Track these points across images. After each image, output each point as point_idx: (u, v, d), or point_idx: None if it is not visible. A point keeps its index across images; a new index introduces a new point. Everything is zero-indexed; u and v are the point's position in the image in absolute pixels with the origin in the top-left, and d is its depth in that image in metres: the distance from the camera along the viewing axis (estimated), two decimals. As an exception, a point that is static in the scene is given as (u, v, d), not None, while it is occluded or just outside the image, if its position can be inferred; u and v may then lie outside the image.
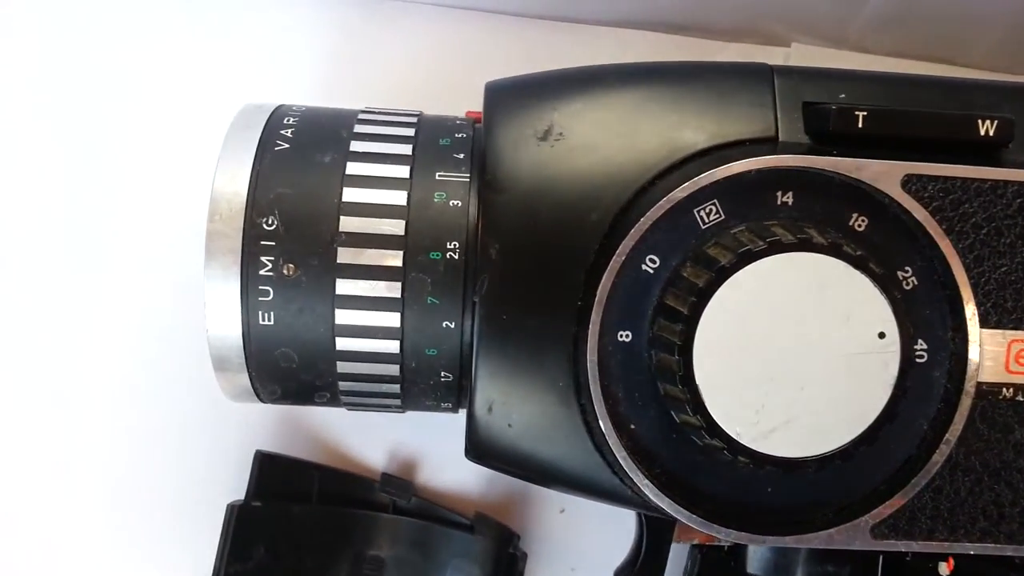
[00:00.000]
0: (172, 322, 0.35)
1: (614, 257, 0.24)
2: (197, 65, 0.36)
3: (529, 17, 0.37)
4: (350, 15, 0.37)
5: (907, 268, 0.24)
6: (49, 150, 0.36)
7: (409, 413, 0.35)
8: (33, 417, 0.35)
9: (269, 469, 0.34)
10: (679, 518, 0.24)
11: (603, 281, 0.24)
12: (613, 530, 0.35)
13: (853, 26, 0.37)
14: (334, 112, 0.28)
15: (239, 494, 0.34)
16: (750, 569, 0.31)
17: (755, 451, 0.23)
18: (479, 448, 0.26)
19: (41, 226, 0.36)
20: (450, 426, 0.36)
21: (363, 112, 0.28)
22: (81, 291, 0.35)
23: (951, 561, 0.27)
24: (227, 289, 0.25)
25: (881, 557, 0.28)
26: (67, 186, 0.36)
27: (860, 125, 0.24)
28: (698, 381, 0.23)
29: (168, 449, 0.35)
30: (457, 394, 0.27)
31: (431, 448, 0.36)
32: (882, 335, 0.23)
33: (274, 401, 0.28)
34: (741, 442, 0.23)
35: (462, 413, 0.34)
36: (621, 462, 0.24)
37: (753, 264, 0.22)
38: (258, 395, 0.27)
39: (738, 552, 0.31)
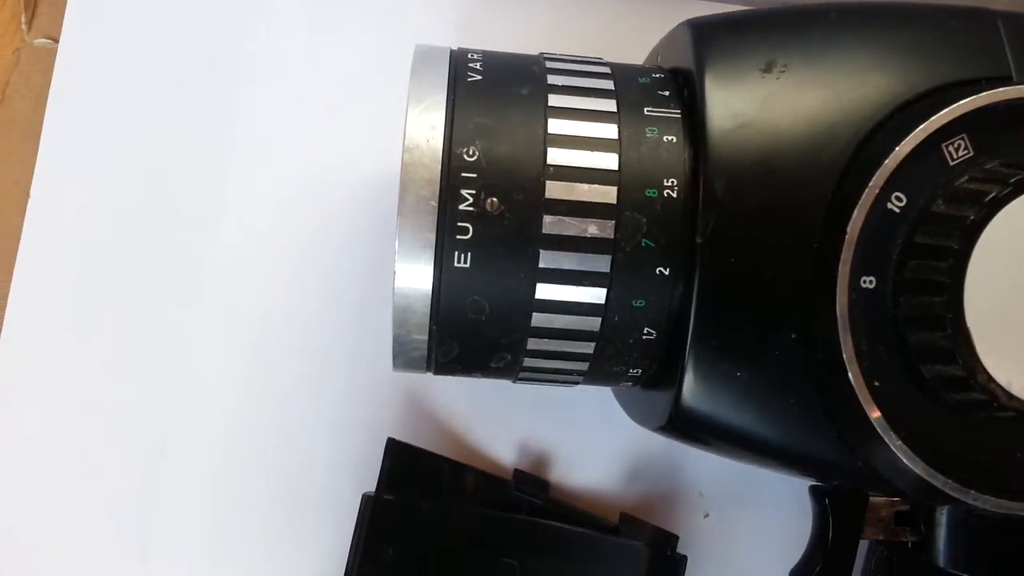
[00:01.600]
0: (306, 303, 0.32)
1: (865, 192, 0.21)
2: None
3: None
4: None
5: None
6: (174, 117, 0.34)
7: (540, 407, 0.33)
8: (157, 401, 0.32)
9: (400, 460, 0.30)
10: (935, 485, 0.22)
11: (853, 218, 0.21)
12: (763, 537, 0.33)
13: None
14: (515, 54, 0.26)
15: (362, 483, 0.30)
16: (941, 564, 0.28)
17: (1028, 404, 0.21)
18: (688, 415, 0.23)
19: (166, 187, 0.33)
20: (582, 421, 0.33)
21: (546, 53, 0.26)
22: (208, 264, 0.33)
23: None
24: (422, 225, 0.22)
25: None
26: (188, 145, 0.33)
27: (1104, 65, 0.23)
28: (968, 325, 0.20)
29: (292, 436, 0.32)
30: (654, 357, 0.24)
31: (562, 445, 0.33)
32: None
33: (442, 365, 0.25)
34: (1012, 391, 0.20)
35: (603, 402, 0.32)
36: (873, 423, 0.21)
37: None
38: (430, 356, 0.25)
39: (926, 547, 0.29)
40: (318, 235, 0.33)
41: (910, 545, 0.29)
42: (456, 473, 0.31)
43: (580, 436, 0.33)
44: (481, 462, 0.32)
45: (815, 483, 0.29)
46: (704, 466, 0.33)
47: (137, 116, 0.34)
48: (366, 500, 0.29)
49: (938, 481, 0.22)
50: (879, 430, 0.22)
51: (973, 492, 0.22)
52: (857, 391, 0.22)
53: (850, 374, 0.21)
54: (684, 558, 0.31)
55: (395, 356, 0.25)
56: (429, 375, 0.31)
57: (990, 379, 0.21)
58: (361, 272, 0.32)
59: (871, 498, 0.29)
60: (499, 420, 0.33)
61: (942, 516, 0.28)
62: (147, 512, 0.32)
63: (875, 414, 0.21)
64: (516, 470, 0.32)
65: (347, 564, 0.29)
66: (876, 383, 0.22)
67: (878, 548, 0.30)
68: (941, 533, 0.28)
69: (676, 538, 0.31)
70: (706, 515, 0.33)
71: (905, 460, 0.22)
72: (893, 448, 0.22)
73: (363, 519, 0.29)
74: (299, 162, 0.33)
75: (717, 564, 0.33)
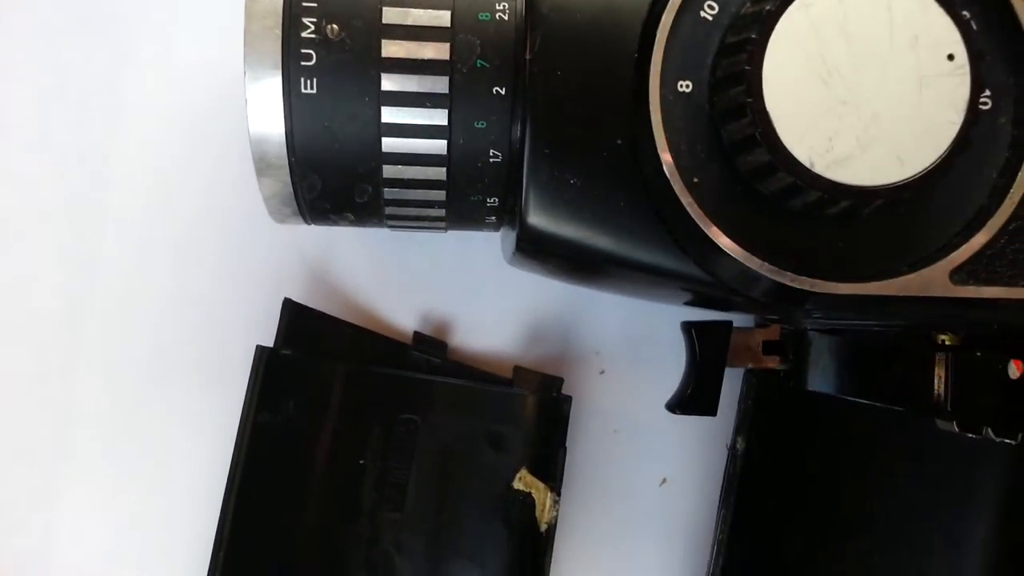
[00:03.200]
0: (198, 170, 0.34)
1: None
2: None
3: None
4: None
5: (965, 12, 0.24)
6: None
7: (438, 276, 0.34)
8: (72, 274, 0.34)
9: (299, 320, 0.32)
10: (752, 270, 0.23)
11: (662, 23, 0.23)
12: (655, 390, 0.34)
13: None
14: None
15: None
16: (808, 386, 0.29)
17: (829, 180, 0.22)
18: (532, 232, 0.25)
19: (71, 82, 0.35)
20: (481, 289, 0.35)
21: None
22: (107, 145, 0.34)
23: (1019, 363, 0.26)
24: (268, 54, 0.24)
25: (948, 357, 0.27)
26: (94, 43, 0.35)
27: None
28: (768, 109, 0.22)
29: (195, 303, 0.34)
30: (506, 183, 0.26)
31: (462, 312, 0.35)
32: (951, 57, 0.22)
33: (312, 205, 0.27)
34: (814, 171, 0.22)
35: (502, 270, 0.33)
36: (687, 209, 0.23)
37: (819, -13, 0.22)
38: (297, 195, 0.26)
39: (795, 373, 0.30)
40: (222, 111, 0.34)
41: (781, 374, 0.30)
42: (356, 335, 0.33)
43: (480, 304, 0.35)
44: (383, 329, 0.34)
45: (686, 320, 0.30)
46: (600, 328, 0.35)
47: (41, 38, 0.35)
48: (260, 351, 0.31)
49: (754, 264, 0.23)
50: (695, 220, 0.23)
51: (789, 274, 0.23)
52: (674, 185, 0.23)
53: (666, 169, 0.23)
54: (569, 398, 0.32)
55: (264, 196, 0.26)
56: (327, 240, 0.33)
57: (792, 160, 0.22)
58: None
59: (741, 331, 0.31)
60: (400, 291, 0.34)
61: (807, 342, 0.30)
62: (64, 375, 0.34)
63: (691, 204, 0.23)
64: (416, 332, 0.34)
65: (242, 412, 0.30)
66: (695, 180, 0.23)
67: (750, 376, 0.31)
68: (807, 358, 0.30)
69: (561, 380, 0.32)
70: (601, 372, 0.34)
71: (722, 246, 0.23)
72: (709, 235, 0.23)
73: (256, 370, 0.30)
74: (206, 50, 0.35)
75: (610, 414, 0.34)
